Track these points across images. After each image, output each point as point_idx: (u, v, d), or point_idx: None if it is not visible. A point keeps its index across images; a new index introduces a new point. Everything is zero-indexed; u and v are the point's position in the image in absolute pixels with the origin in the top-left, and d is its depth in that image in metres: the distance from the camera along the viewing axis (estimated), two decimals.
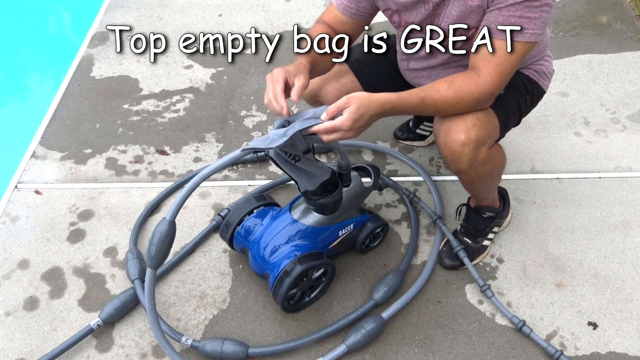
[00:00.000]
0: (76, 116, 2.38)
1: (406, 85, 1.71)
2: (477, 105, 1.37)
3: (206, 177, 1.27)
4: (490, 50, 1.31)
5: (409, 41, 1.57)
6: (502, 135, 1.54)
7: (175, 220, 1.32)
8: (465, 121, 1.38)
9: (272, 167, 2.12)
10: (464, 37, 1.41)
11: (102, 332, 1.63)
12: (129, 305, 1.66)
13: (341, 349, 1.54)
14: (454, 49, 1.46)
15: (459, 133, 1.39)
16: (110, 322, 1.63)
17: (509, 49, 1.30)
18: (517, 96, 1.56)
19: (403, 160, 2.13)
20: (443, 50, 1.49)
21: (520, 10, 1.26)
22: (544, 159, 2.16)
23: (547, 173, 2.10)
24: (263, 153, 1.34)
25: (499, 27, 1.28)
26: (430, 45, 1.51)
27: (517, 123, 1.64)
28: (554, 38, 2.76)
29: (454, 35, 1.43)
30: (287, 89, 1.32)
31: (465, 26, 1.38)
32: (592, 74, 2.55)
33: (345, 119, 1.22)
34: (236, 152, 1.27)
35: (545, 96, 2.37)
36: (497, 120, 1.47)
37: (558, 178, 2.08)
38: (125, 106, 2.43)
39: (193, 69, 2.62)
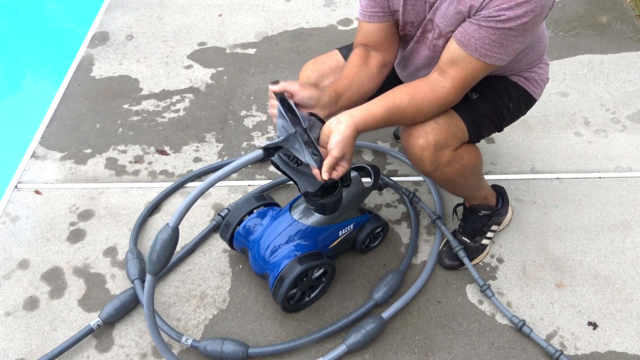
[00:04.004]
0: (76, 116, 2.38)
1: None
2: (436, 114, 1.42)
3: (211, 185, 1.27)
4: (463, 63, 1.34)
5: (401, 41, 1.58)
6: (474, 138, 1.54)
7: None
8: (424, 126, 1.42)
9: (272, 167, 2.12)
10: (443, 40, 1.42)
11: (102, 332, 1.63)
12: (129, 305, 1.66)
13: (341, 349, 1.54)
14: (434, 49, 1.48)
15: (417, 137, 1.43)
16: (110, 322, 1.63)
17: (476, 67, 1.34)
18: (496, 102, 1.56)
19: (403, 160, 2.13)
20: (423, 48, 1.51)
21: (497, 35, 1.28)
22: (544, 159, 2.16)
23: (547, 173, 2.10)
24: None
25: (473, 43, 1.31)
26: (414, 44, 1.52)
27: (499, 129, 1.63)
28: (554, 38, 2.76)
29: (434, 37, 1.44)
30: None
31: (446, 31, 1.39)
32: (592, 74, 2.55)
33: (348, 168, 1.34)
34: (246, 157, 1.28)
35: (545, 96, 2.38)
36: (462, 123, 1.48)
37: (558, 178, 2.08)
38: (125, 106, 2.43)
39: (193, 69, 2.63)
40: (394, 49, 1.57)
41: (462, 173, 1.53)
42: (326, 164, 1.30)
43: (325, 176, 1.30)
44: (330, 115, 1.40)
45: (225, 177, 1.28)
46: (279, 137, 1.31)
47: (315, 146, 1.32)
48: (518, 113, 1.65)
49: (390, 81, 1.77)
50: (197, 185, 1.31)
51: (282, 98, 1.31)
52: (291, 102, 1.32)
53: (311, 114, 1.33)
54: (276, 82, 1.32)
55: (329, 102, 1.40)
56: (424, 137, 1.42)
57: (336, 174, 1.33)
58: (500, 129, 1.63)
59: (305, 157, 1.32)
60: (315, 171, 1.32)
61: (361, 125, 1.33)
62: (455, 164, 1.49)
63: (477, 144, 1.59)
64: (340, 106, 1.45)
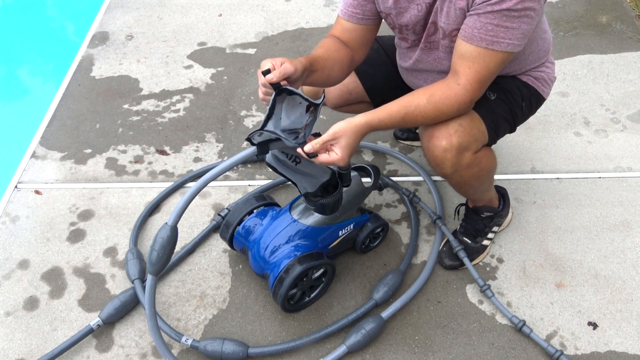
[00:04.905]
0: (76, 116, 2.38)
1: (407, 87, 1.71)
2: (457, 114, 1.39)
3: (208, 182, 1.27)
4: (471, 57, 1.32)
5: (403, 44, 1.58)
6: (492, 140, 1.54)
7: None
8: (448, 127, 1.40)
9: None
10: (448, 39, 1.42)
11: (102, 332, 1.63)
12: (129, 305, 1.66)
13: (341, 349, 1.54)
14: (442, 49, 1.47)
15: (441, 139, 1.40)
16: (110, 322, 1.63)
17: (487, 58, 1.31)
18: (511, 102, 1.55)
19: (403, 160, 2.13)
20: (434, 52, 1.50)
21: (498, 18, 1.26)
22: (544, 159, 2.16)
23: (547, 173, 2.10)
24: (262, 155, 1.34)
25: (477, 34, 1.29)
26: (421, 52, 1.52)
27: (512, 130, 1.63)
28: (554, 38, 2.76)
29: (440, 37, 1.44)
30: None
31: (450, 29, 1.39)
32: (592, 74, 2.55)
33: (341, 157, 1.27)
34: (241, 154, 1.27)
35: None
36: (483, 125, 1.47)
37: (558, 178, 2.08)
38: (125, 106, 2.43)
39: (193, 69, 2.63)
40: (364, 51, 1.57)
41: (479, 176, 1.53)
42: (317, 140, 1.26)
43: (307, 148, 1.24)
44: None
45: (221, 174, 1.28)
46: (262, 126, 1.27)
47: (312, 128, 1.28)
48: (529, 112, 1.64)
49: (394, 82, 1.77)
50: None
51: (281, 89, 1.25)
52: (291, 88, 1.26)
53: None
54: (268, 71, 1.24)
55: (305, 72, 1.34)
56: (447, 139, 1.39)
57: (325, 158, 1.27)
58: (513, 130, 1.63)
59: (290, 139, 1.27)
60: (299, 149, 1.27)
61: (374, 120, 1.31)
62: (474, 167, 1.48)
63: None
64: (308, 82, 1.40)
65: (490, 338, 1.61)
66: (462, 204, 1.83)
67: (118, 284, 1.76)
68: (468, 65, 1.33)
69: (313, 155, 1.26)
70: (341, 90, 1.79)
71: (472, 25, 1.29)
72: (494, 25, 1.27)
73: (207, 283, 1.76)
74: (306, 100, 1.27)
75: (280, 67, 1.24)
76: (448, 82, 1.36)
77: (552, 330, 1.63)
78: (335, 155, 1.27)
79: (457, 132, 1.39)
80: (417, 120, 1.36)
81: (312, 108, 1.28)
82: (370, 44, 1.58)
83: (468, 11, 1.31)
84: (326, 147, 1.28)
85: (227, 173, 2.12)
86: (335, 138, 1.27)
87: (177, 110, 2.41)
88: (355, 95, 1.81)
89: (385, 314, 1.61)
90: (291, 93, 1.26)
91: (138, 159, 2.18)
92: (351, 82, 1.78)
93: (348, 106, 1.87)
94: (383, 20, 1.54)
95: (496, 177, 2.06)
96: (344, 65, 1.52)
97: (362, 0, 1.47)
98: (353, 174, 1.62)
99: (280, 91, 1.25)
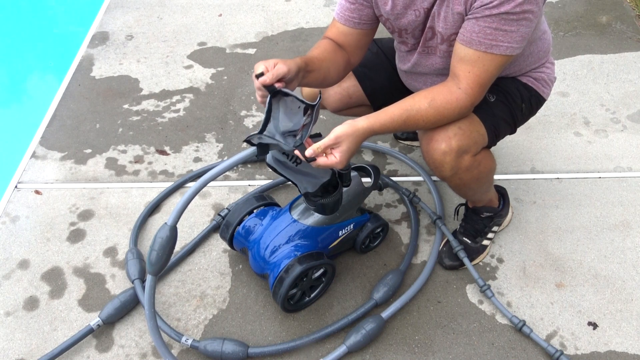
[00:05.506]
0: (76, 116, 2.38)
1: (407, 89, 1.71)
2: (458, 117, 1.39)
3: (207, 182, 1.27)
4: (471, 61, 1.32)
5: (402, 47, 1.58)
6: (492, 142, 1.54)
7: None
8: (447, 130, 1.40)
9: None
10: (446, 44, 1.41)
11: (102, 332, 1.63)
12: (129, 305, 1.66)
13: (341, 349, 1.54)
14: (440, 54, 1.47)
15: (440, 142, 1.40)
16: (110, 322, 1.63)
17: (486, 61, 1.31)
18: (511, 104, 1.55)
19: (403, 160, 2.13)
20: (432, 56, 1.50)
21: (496, 22, 1.26)
22: (544, 159, 2.16)
23: (547, 173, 2.10)
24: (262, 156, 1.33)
25: (475, 38, 1.29)
26: (419, 56, 1.51)
27: (512, 131, 1.63)
28: (554, 38, 2.76)
29: (438, 42, 1.44)
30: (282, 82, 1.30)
31: (448, 34, 1.38)
32: (592, 74, 2.55)
33: (339, 161, 1.27)
34: (241, 154, 1.27)
35: None
36: (482, 128, 1.47)
37: (558, 178, 2.08)
38: (125, 106, 2.43)
39: (193, 69, 2.63)
40: (360, 54, 1.57)
41: (478, 178, 1.53)
42: (319, 144, 1.25)
43: (308, 152, 1.24)
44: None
45: (221, 174, 1.28)
46: (260, 130, 1.26)
47: (309, 129, 1.28)
48: (529, 113, 1.64)
49: (394, 85, 1.77)
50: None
51: (276, 91, 1.25)
52: (286, 90, 1.26)
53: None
54: (262, 74, 1.24)
55: (300, 72, 1.33)
56: (447, 142, 1.40)
57: (323, 161, 1.26)
58: (514, 131, 1.63)
59: (288, 143, 1.27)
60: (297, 151, 1.26)
61: (376, 125, 1.31)
62: (474, 170, 1.48)
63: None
64: (304, 83, 1.40)
65: (490, 338, 1.61)
66: (461, 204, 1.83)
67: (118, 284, 1.76)
68: (468, 69, 1.33)
69: (312, 159, 1.26)
70: (341, 94, 1.79)
71: (471, 30, 1.29)
72: (493, 28, 1.27)
73: (207, 283, 1.76)
74: (301, 101, 1.27)
75: (273, 68, 1.25)
76: (449, 85, 1.36)
77: (552, 330, 1.63)
78: (334, 159, 1.27)
79: (457, 135, 1.40)
80: (418, 124, 1.36)
81: (309, 110, 1.28)
82: (367, 47, 1.58)
83: (466, 15, 1.31)
84: (325, 151, 1.28)
85: (227, 173, 2.12)
86: (337, 142, 1.27)
87: (177, 110, 2.41)
88: (355, 98, 1.81)
89: (385, 314, 1.61)
90: (286, 95, 1.26)
91: (138, 159, 2.18)
92: (351, 85, 1.78)
93: (348, 109, 1.87)
94: (381, 24, 1.54)
95: (496, 177, 2.06)
96: (340, 67, 1.51)
97: (359, 5, 1.47)
98: (353, 174, 1.62)
99: (275, 93, 1.25)
